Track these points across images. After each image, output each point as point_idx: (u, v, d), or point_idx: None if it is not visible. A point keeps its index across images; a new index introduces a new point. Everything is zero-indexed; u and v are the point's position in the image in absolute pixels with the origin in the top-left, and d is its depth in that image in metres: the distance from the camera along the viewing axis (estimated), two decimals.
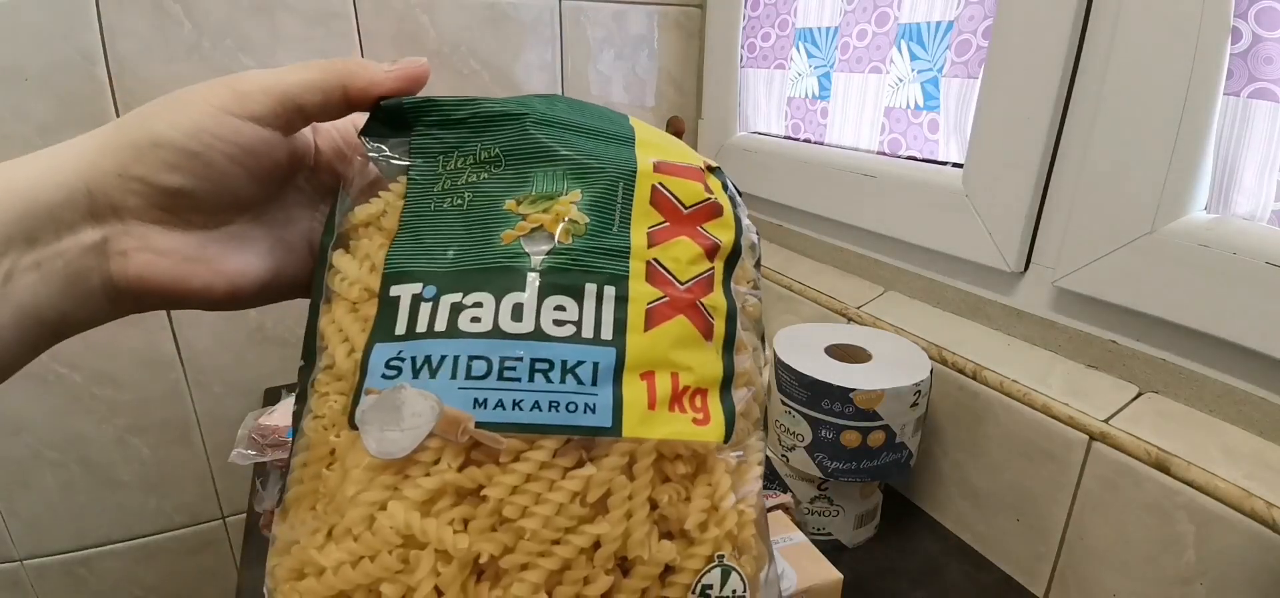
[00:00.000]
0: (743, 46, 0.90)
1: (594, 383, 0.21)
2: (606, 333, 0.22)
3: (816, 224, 0.81)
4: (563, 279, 0.22)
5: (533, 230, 0.23)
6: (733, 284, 0.26)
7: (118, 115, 0.72)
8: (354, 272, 0.24)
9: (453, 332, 0.21)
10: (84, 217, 0.22)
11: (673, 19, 0.98)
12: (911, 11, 0.66)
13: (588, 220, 0.23)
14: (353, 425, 0.21)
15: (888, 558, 0.58)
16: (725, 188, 0.28)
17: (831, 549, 0.54)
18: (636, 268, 0.23)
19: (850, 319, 0.70)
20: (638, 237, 0.23)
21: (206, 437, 0.88)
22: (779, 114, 0.88)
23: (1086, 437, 0.48)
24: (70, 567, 0.87)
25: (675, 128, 0.88)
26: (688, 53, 1.01)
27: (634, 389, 0.21)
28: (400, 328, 0.21)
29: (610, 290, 0.22)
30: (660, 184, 0.25)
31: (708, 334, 0.24)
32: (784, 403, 0.55)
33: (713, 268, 0.25)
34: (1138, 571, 0.46)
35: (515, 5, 0.88)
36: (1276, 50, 0.41)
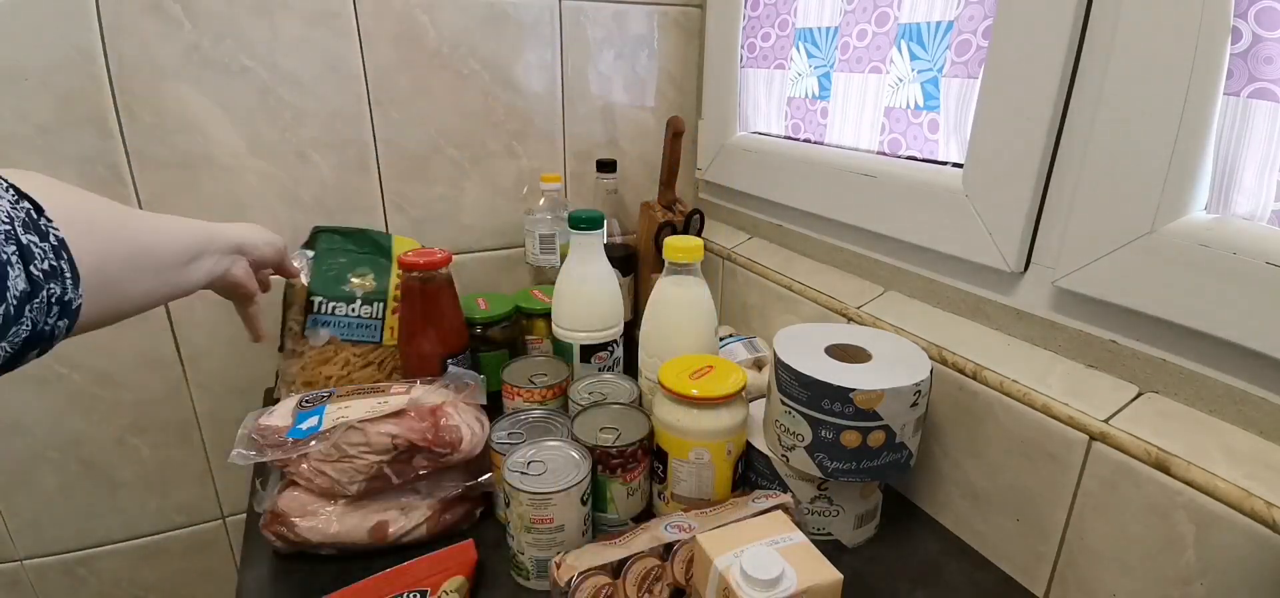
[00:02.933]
0: (743, 46, 0.90)
1: (379, 324, 0.75)
2: (380, 316, 0.74)
3: (816, 224, 0.81)
4: (367, 300, 0.76)
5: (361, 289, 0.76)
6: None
7: (116, 113, 0.72)
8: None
9: (334, 314, 0.75)
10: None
11: (673, 19, 0.98)
12: (911, 11, 0.66)
13: (375, 284, 0.76)
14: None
15: (888, 558, 0.58)
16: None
17: (831, 549, 0.54)
18: (393, 294, 0.76)
19: (850, 319, 0.70)
20: (393, 283, 0.77)
21: (206, 437, 0.88)
22: (779, 114, 0.88)
23: (1086, 437, 0.48)
24: (70, 567, 0.87)
25: (675, 128, 0.88)
26: (688, 53, 1.01)
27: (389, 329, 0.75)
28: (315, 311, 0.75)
29: (382, 305, 0.76)
30: (402, 258, 0.72)
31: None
32: (784, 403, 0.55)
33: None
34: (1138, 571, 0.46)
35: (515, 5, 0.88)
36: (1276, 50, 0.41)
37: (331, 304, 0.74)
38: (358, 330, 0.75)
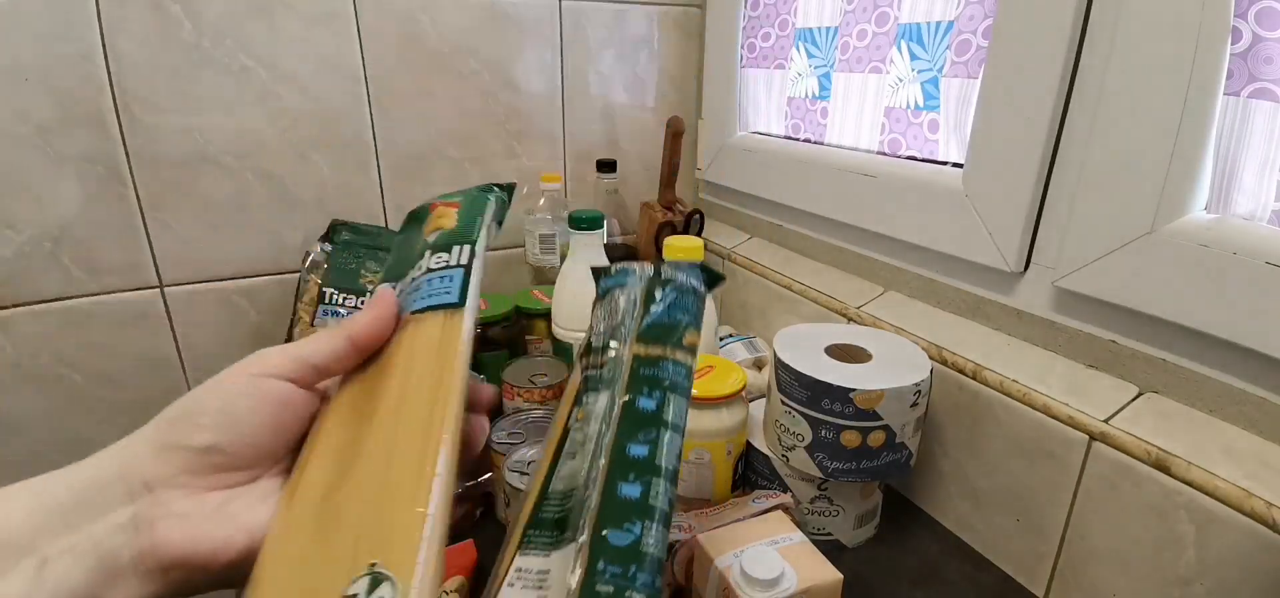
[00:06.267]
0: (742, 46, 0.90)
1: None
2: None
3: (816, 224, 0.81)
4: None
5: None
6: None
7: (116, 113, 0.72)
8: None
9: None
10: (119, 498, 0.25)
11: (673, 19, 0.98)
12: (911, 11, 0.66)
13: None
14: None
15: (888, 558, 0.58)
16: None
17: (831, 549, 0.54)
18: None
19: (850, 319, 0.70)
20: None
21: None
22: (779, 114, 0.88)
23: (1086, 437, 0.48)
24: None
25: (675, 128, 0.88)
26: (688, 53, 1.01)
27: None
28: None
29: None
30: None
31: None
32: (784, 403, 0.55)
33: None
34: (1138, 571, 0.46)
35: (515, 5, 0.88)
36: (1276, 50, 0.41)
37: (343, 296, 0.75)
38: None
